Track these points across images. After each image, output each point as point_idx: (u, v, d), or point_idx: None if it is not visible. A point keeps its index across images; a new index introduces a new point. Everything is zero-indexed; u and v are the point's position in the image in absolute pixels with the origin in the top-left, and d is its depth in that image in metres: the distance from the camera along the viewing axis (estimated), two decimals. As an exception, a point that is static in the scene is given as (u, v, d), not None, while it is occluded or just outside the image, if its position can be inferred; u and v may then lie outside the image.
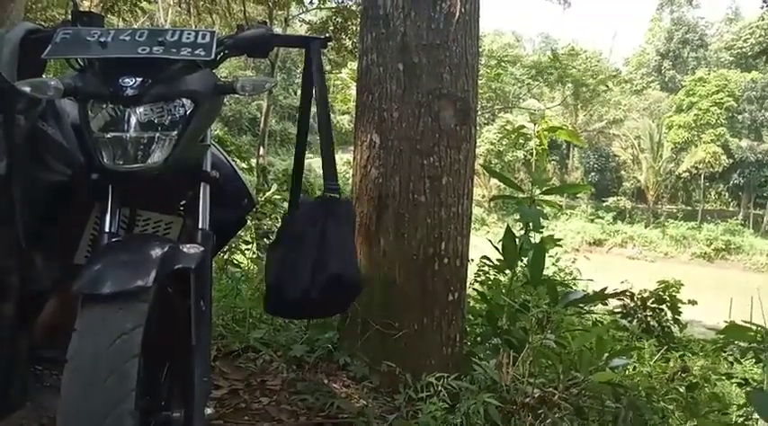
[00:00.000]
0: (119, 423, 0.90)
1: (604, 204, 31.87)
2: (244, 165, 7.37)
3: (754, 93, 32.77)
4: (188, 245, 1.20)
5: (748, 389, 3.75)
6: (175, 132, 1.18)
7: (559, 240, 2.66)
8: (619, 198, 32.23)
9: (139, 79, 1.16)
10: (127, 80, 1.16)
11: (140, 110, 1.17)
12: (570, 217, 30.19)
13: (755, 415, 3.47)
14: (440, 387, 2.13)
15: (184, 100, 1.20)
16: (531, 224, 2.45)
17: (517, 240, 2.50)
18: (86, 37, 1.22)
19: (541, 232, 2.57)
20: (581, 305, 2.55)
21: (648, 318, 6.20)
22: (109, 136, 1.17)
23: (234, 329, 2.57)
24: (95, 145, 1.18)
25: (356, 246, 1.64)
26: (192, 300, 1.15)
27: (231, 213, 1.52)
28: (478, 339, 2.67)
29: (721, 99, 31.30)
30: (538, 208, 2.51)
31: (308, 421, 1.91)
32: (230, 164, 1.56)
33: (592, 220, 30.50)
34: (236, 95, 1.33)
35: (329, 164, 1.52)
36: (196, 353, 1.15)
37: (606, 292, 4.07)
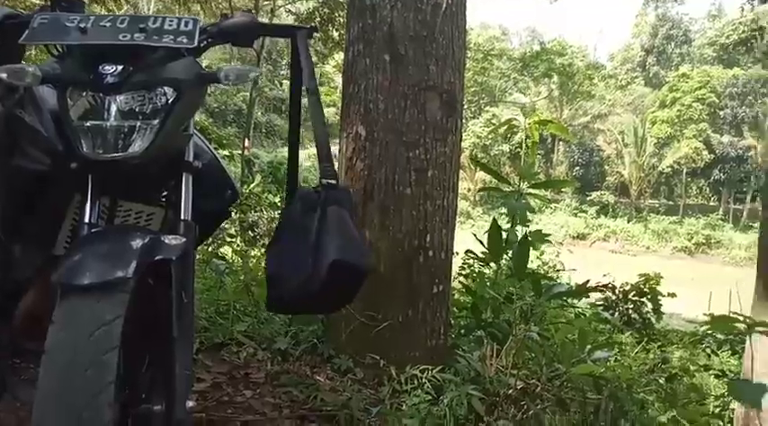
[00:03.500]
0: (97, 416, 0.89)
1: (588, 198, 32.16)
2: (225, 153, 7.28)
3: (736, 89, 33.24)
4: (170, 236, 1.18)
5: (726, 380, 3.84)
6: (157, 121, 1.16)
7: (548, 235, 2.67)
8: (602, 192, 32.54)
9: (120, 67, 1.14)
10: (107, 67, 1.13)
11: (121, 98, 1.14)
12: (554, 211, 30.42)
13: (732, 405, 3.57)
14: (424, 379, 2.14)
15: (166, 88, 1.18)
16: (517, 217, 2.46)
17: (503, 233, 2.51)
18: (65, 23, 1.19)
19: (528, 225, 2.58)
20: (564, 298, 2.58)
21: (630, 311, 6.30)
22: (88, 124, 1.14)
23: (217, 322, 2.55)
24: (74, 133, 1.15)
25: (357, 232, 1.50)
26: (174, 292, 1.13)
27: (214, 204, 1.49)
28: (463, 331, 2.68)
29: (704, 95, 31.70)
30: (524, 201, 2.52)
31: (291, 414, 1.91)
32: (213, 154, 1.53)
33: (575, 214, 30.77)
34: (220, 85, 1.30)
35: (324, 151, 1.48)
36: (178, 345, 1.14)
37: (588, 285, 4.12)
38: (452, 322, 2.70)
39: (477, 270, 2.88)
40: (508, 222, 2.57)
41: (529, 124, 2.77)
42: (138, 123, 1.15)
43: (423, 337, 2.35)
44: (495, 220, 2.55)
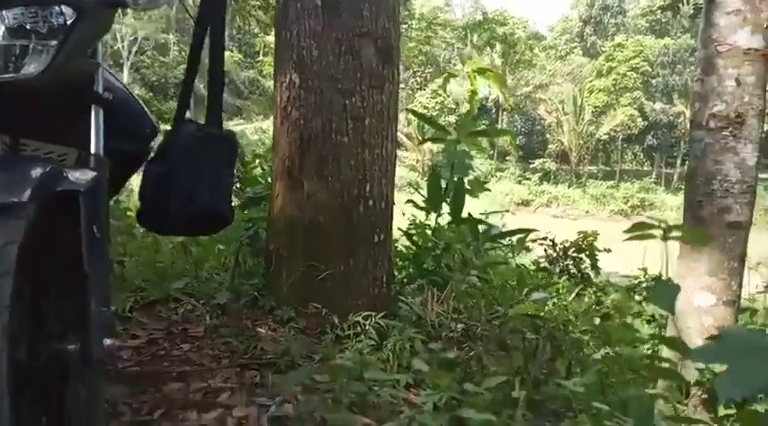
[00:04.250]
0: None
1: (531, 166, 33.09)
2: (167, 128, 7.07)
3: (667, 58, 34.68)
4: (78, 170, 1.11)
5: (653, 286, 4.09)
6: (55, 42, 1.07)
7: (486, 183, 2.70)
8: (544, 160, 33.52)
9: None
10: None
11: (8, 13, 1.04)
12: (500, 179, 31.12)
13: (663, 352, 3.80)
14: (367, 326, 2.14)
15: (64, 7, 1.09)
16: (456, 165, 2.47)
17: (443, 182, 2.52)
18: None
19: (467, 173, 2.60)
20: (502, 243, 2.62)
21: (569, 266, 6.55)
22: None
23: (154, 281, 2.45)
24: None
25: (231, 181, 1.75)
26: (83, 225, 1.06)
27: (132, 142, 1.42)
28: (405, 280, 2.70)
29: (637, 64, 32.91)
30: (463, 149, 2.52)
31: (230, 364, 1.87)
32: (127, 89, 1.45)
33: (519, 182, 31.63)
34: (129, 8, 1.22)
35: (215, 100, 1.51)
36: (91, 282, 1.08)
37: (529, 238, 4.24)
38: (395, 273, 2.71)
39: (418, 222, 2.90)
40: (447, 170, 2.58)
41: (468, 72, 2.77)
42: (32, 43, 1.06)
43: (365, 286, 2.34)
44: (433, 168, 2.55)
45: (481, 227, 2.35)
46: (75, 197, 1.05)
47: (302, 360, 1.94)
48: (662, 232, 1.04)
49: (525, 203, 29.15)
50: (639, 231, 1.05)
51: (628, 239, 1.09)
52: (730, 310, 2.97)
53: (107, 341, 1.11)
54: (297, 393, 1.69)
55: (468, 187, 2.62)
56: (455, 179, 2.49)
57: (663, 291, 1.02)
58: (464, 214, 2.55)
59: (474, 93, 2.87)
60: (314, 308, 2.20)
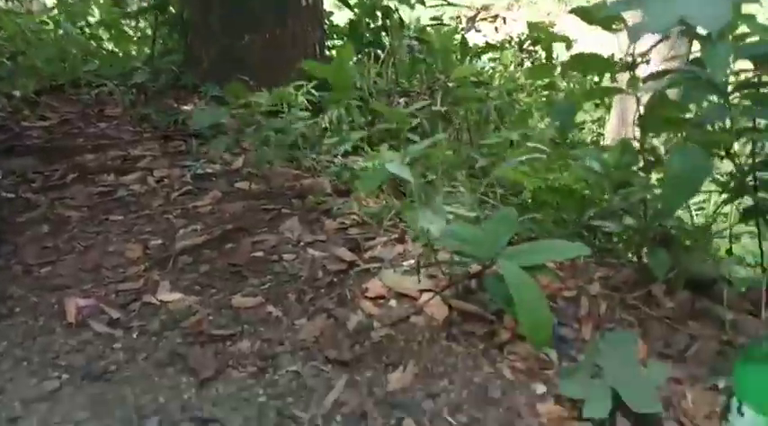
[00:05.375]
0: None
1: (493, -34, 30.64)
2: None
3: None
4: None
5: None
6: None
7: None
8: (507, -43, 30.92)
9: None
10: None
11: None
12: (459, -18, 28.97)
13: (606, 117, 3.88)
14: (299, 97, 2.02)
15: None
16: None
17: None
18: None
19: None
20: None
21: (524, 60, 6.37)
22: None
23: (61, 67, 2.21)
24: None
25: None
26: None
27: None
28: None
29: None
30: None
31: (152, 136, 1.76)
32: None
33: (480, -16, 29.53)
34: None
35: None
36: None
37: (480, 17, 3.97)
38: (330, 46, 2.51)
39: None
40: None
41: None
42: None
43: (296, 55, 2.15)
44: None
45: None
46: None
47: (232, 131, 1.84)
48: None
49: (485, 8, 27.59)
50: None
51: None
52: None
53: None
54: (222, 155, 1.62)
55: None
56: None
57: (560, 110, 1.00)
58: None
59: None
60: (241, 81, 2.04)
